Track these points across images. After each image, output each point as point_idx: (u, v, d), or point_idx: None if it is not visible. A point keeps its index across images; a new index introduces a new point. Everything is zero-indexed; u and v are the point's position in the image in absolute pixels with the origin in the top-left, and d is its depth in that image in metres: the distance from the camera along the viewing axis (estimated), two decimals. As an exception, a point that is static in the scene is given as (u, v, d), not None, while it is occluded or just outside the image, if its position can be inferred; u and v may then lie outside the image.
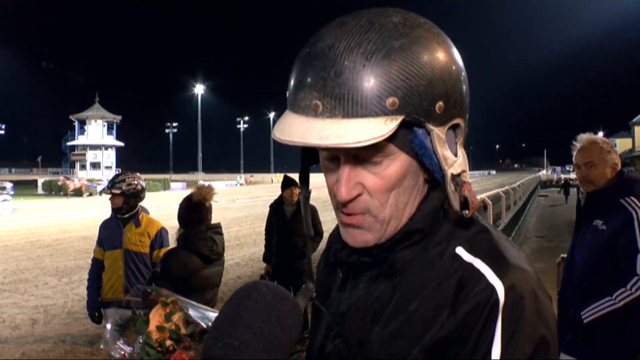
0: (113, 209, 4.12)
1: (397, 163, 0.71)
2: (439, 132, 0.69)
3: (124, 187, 4.01)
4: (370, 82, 0.65)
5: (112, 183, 4.08)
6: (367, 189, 0.72)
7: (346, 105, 0.65)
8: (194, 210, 3.00)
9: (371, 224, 0.74)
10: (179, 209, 3.06)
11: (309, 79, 0.68)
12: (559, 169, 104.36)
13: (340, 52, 0.66)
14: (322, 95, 0.66)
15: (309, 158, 0.84)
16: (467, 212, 0.70)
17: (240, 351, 0.62)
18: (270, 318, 0.65)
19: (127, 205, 4.04)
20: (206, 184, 3.24)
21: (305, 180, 0.87)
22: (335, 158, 0.73)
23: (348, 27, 0.68)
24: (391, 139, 0.67)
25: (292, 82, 0.71)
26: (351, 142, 0.64)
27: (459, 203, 0.70)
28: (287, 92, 0.72)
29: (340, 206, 0.74)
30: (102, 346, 1.38)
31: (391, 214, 0.74)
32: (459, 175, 0.71)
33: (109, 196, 4.10)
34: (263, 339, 0.63)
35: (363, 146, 0.65)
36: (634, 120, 69.12)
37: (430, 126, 0.68)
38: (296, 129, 0.67)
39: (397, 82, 0.65)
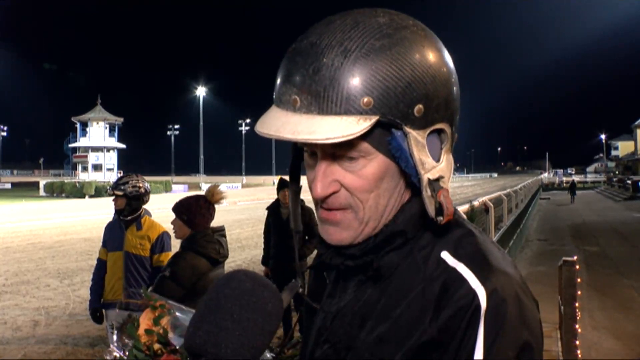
0: (116, 211, 4.12)
1: (374, 163, 0.71)
2: (417, 136, 0.68)
3: (127, 189, 4.02)
4: (345, 80, 0.65)
5: (116, 184, 4.08)
6: (345, 187, 0.72)
7: (321, 102, 0.66)
8: (208, 211, 2.98)
9: (350, 221, 0.74)
10: (190, 209, 2.96)
11: (290, 75, 0.69)
12: (560, 171, 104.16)
13: (321, 49, 0.67)
14: (301, 91, 0.67)
15: (300, 154, 0.83)
16: (441, 218, 0.69)
17: (219, 337, 0.63)
18: (249, 304, 0.65)
19: (129, 207, 4.04)
20: (219, 186, 3.19)
21: (295, 175, 0.88)
22: (315, 155, 0.74)
23: (333, 26, 0.69)
24: (367, 138, 0.68)
25: (277, 77, 0.72)
26: (320, 138, 0.65)
27: (434, 209, 0.69)
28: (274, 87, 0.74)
29: (320, 202, 0.75)
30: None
31: (370, 215, 0.73)
32: (437, 180, 0.70)
33: (112, 197, 4.11)
34: (242, 325, 0.64)
35: (332, 143, 0.65)
36: (637, 122, 69.02)
37: (407, 129, 0.68)
38: (274, 122, 0.69)
39: (373, 82, 0.65)
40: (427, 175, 0.69)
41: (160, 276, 2.81)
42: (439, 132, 0.72)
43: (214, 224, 3.07)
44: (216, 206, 3.08)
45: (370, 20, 0.68)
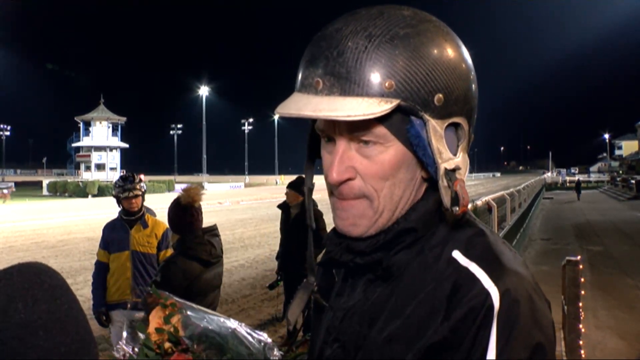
0: (130, 211, 4.07)
1: (391, 151, 0.71)
2: (435, 125, 0.69)
3: (142, 187, 4.08)
4: (369, 63, 0.67)
5: (132, 185, 4.03)
6: (360, 174, 0.72)
7: (344, 83, 0.67)
8: (185, 214, 2.91)
9: (364, 209, 0.74)
10: (169, 214, 2.95)
11: (313, 58, 0.70)
12: (564, 171, 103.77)
13: (346, 34, 0.68)
14: (323, 73, 0.68)
15: (316, 150, 0.84)
16: (457, 208, 0.69)
17: None
18: (32, 339, 0.64)
19: (141, 205, 4.11)
20: (192, 185, 3.17)
21: (310, 171, 0.88)
22: (333, 141, 0.74)
23: (359, 15, 0.71)
24: (386, 124, 0.69)
25: (300, 64, 0.73)
26: (342, 115, 0.65)
27: (450, 199, 0.69)
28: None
29: (334, 190, 0.75)
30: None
31: (385, 205, 0.73)
32: (453, 171, 0.70)
33: (124, 199, 4.04)
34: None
35: (353, 120, 0.66)
36: (640, 122, 68.71)
37: (427, 116, 0.68)
38: (295, 104, 0.70)
39: (396, 67, 0.67)
40: (444, 165, 0.69)
41: (153, 282, 2.81)
42: (457, 128, 0.73)
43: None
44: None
45: (395, 12, 0.70)
